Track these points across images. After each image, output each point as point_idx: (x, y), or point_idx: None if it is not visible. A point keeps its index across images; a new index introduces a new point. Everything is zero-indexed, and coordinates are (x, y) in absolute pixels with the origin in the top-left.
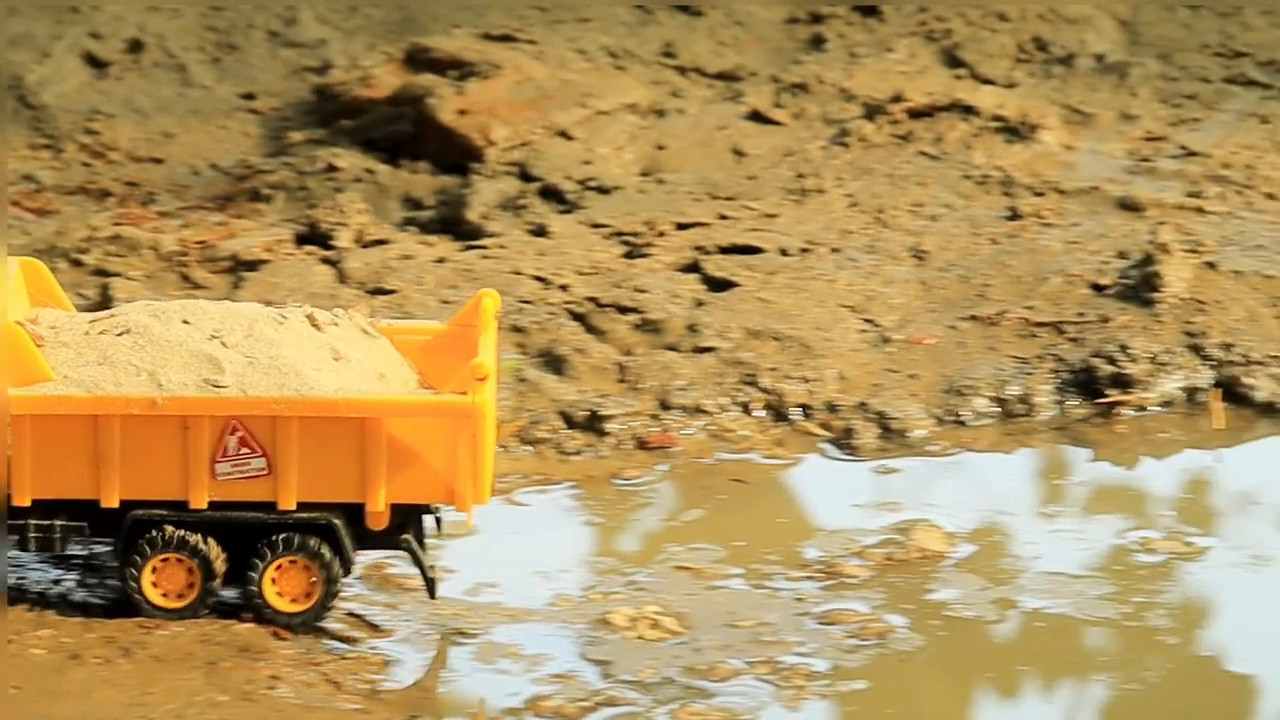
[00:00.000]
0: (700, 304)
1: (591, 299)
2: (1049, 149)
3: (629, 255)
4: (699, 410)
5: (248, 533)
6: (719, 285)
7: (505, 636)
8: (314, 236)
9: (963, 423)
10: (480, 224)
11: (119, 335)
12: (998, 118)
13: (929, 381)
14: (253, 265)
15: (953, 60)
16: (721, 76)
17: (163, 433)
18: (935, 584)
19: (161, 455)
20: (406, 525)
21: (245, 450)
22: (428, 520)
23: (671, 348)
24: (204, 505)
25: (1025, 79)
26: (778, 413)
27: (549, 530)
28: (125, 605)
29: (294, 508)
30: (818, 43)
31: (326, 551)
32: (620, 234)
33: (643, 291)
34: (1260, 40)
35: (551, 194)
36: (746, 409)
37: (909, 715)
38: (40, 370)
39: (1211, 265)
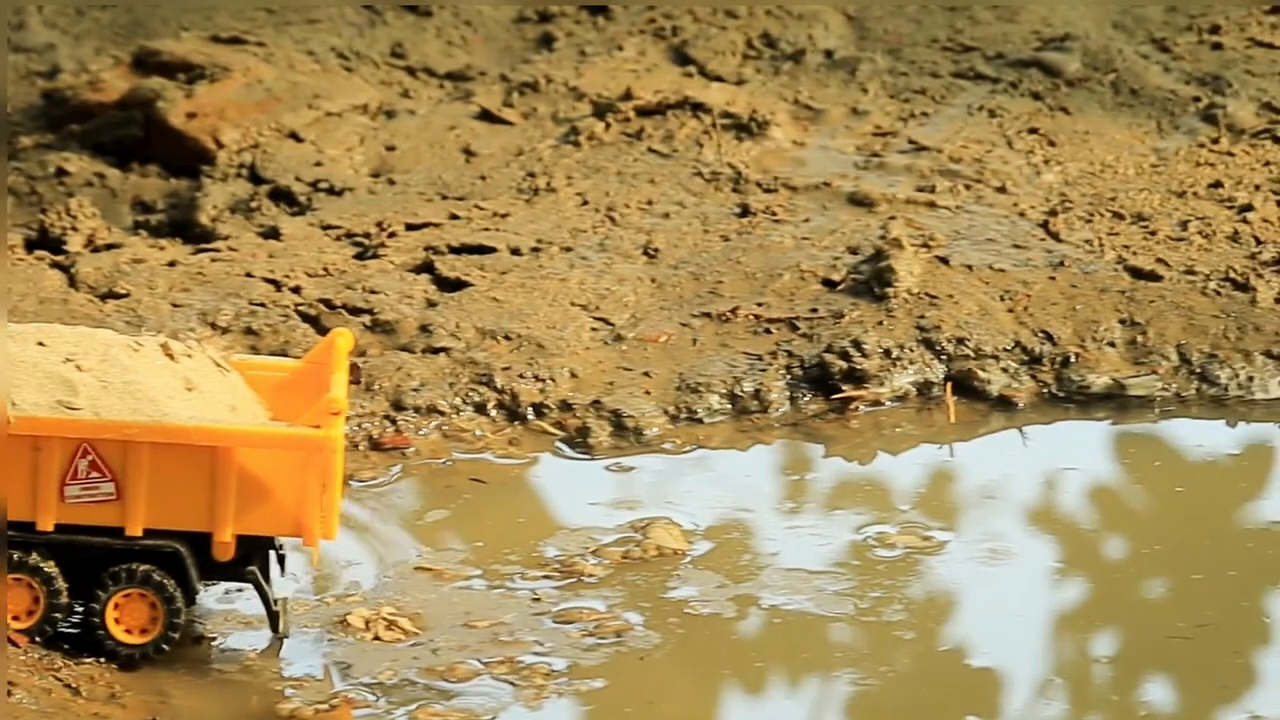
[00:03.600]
0: (433, 304)
1: (324, 300)
2: (779, 145)
3: (360, 256)
4: (433, 410)
5: (94, 557)
6: (451, 285)
7: (242, 641)
8: (45, 241)
9: (698, 420)
10: (211, 227)
11: None
12: (727, 114)
13: (662, 379)
14: None
15: (682, 58)
16: (451, 76)
17: (13, 452)
18: (673, 581)
19: (11, 475)
20: (252, 557)
21: (95, 474)
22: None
23: (404, 348)
24: (51, 527)
25: (754, 76)
26: (512, 412)
27: None
28: None
29: (141, 534)
30: (547, 42)
31: (170, 584)
32: (351, 235)
33: (375, 293)
34: (988, 34)
35: (282, 196)
36: (481, 409)
37: (647, 713)
38: None
39: (943, 259)
